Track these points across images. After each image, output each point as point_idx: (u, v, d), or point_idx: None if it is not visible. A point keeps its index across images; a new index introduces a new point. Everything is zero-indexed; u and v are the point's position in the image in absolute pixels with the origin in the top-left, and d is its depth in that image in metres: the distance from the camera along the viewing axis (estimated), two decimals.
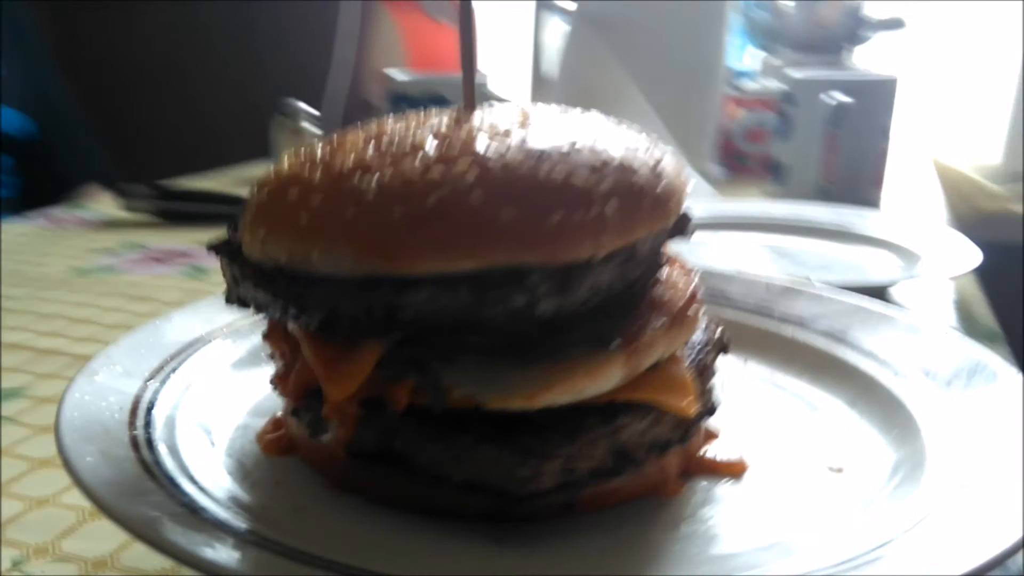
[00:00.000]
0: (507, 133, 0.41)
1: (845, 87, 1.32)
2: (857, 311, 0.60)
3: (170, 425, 0.47)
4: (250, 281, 0.42)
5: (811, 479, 0.46)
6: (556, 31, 1.90)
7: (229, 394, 0.53)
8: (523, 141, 0.40)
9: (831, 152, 1.30)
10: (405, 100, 1.29)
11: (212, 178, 1.48)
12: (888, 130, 1.36)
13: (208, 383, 0.53)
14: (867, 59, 1.90)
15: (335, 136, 0.47)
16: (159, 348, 0.54)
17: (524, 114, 0.45)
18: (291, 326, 0.45)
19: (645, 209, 0.40)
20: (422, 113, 0.48)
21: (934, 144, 2.07)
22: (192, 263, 1.02)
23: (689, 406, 0.43)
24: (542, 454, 0.39)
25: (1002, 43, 2.13)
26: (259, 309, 0.43)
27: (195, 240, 1.09)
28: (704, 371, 0.46)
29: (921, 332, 0.55)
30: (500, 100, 1.38)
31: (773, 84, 1.61)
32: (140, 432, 0.45)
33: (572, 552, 0.40)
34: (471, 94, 0.47)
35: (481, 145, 0.40)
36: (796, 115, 1.35)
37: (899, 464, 0.46)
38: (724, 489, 0.46)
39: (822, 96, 1.30)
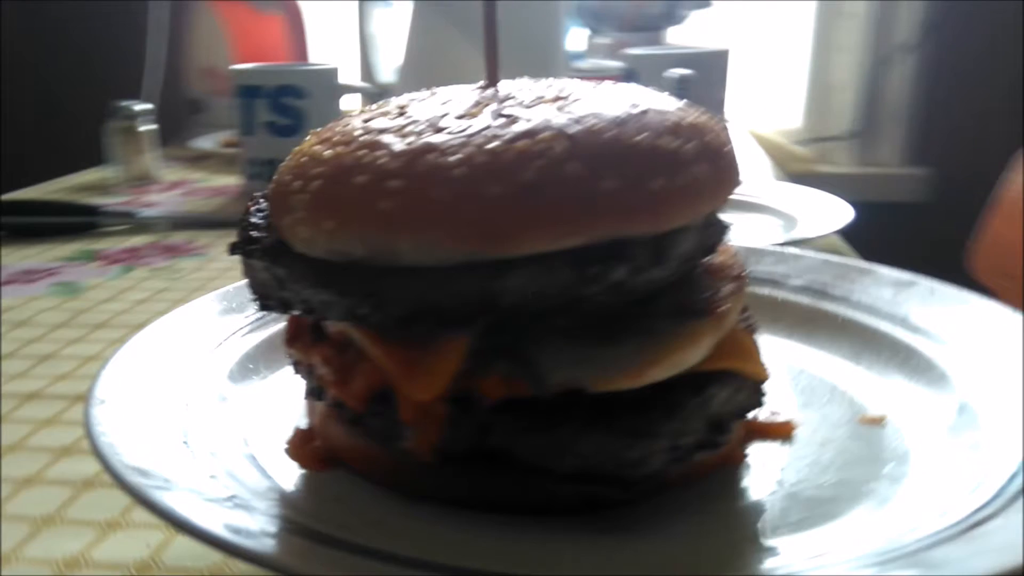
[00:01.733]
0: (563, 102, 0.39)
1: (682, 61, 1.37)
2: (827, 266, 0.61)
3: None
4: (306, 281, 0.38)
5: (858, 431, 0.47)
6: (382, 21, 1.87)
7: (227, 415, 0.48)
8: (589, 108, 0.38)
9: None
10: (255, 92, 1.22)
11: (44, 189, 1.34)
12: (723, 101, 1.43)
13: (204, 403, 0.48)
14: (681, 37, 1.99)
15: (347, 120, 0.43)
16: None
17: (553, 85, 0.43)
18: (337, 327, 0.42)
19: (728, 171, 0.39)
20: (426, 92, 0.45)
21: (748, 113, 2.20)
22: (59, 280, 0.92)
23: (764, 369, 0.42)
24: (648, 434, 0.38)
25: (796, 17, 2.29)
26: (310, 312, 0.39)
27: (54, 256, 0.99)
28: (753, 334, 0.46)
29: (902, 281, 0.58)
30: (356, 90, 1.34)
31: (606, 63, 1.64)
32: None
33: (674, 530, 0.39)
34: (494, 69, 0.45)
35: (551, 115, 0.37)
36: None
37: (942, 409, 0.47)
38: (780, 451, 0.46)
39: (665, 71, 1.34)
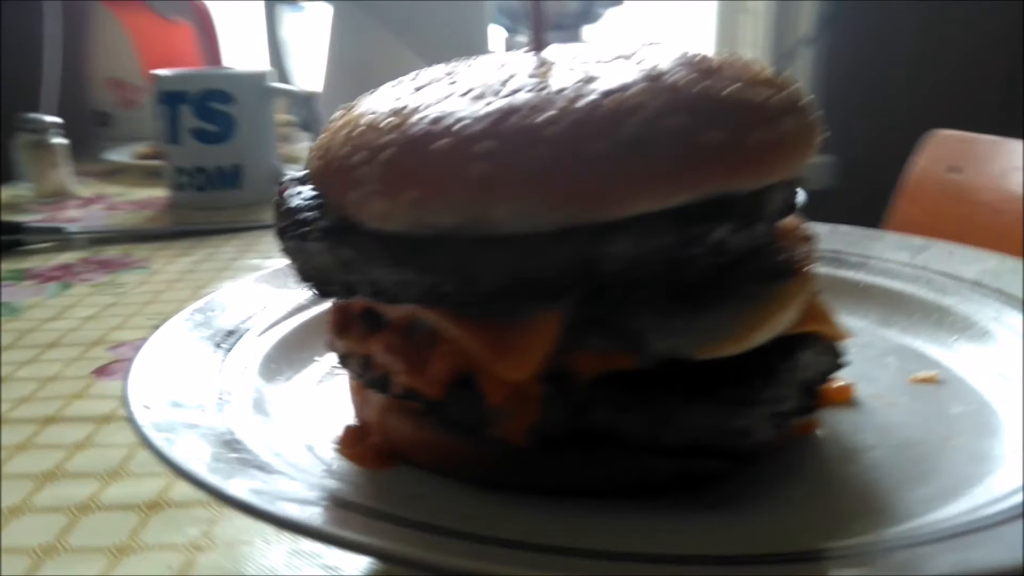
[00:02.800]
0: (635, 58, 0.37)
1: None
2: (837, 234, 0.61)
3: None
4: (379, 261, 0.35)
5: (918, 391, 0.46)
6: (293, 26, 1.81)
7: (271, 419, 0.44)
8: (666, 63, 0.36)
9: None
10: (180, 99, 1.16)
11: None
12: None
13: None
14: (596, 35, 2.00)
15: (381, 94, 0.40)
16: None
17: (603, 46, 0.41)
18: (401, 311, 0.38)
19: (813, 124, 0.38)
20: (464, 62, 0.42)
21: None
22: None
23: (842, 330, 0.41)
24: (752, 402, 0.36)
25: (701, 13, 2.34)
26: (379, 294, 0.36)
27: None
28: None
29: (915, 244, 0.58)
30: (286, 93, 1.29)
31: None
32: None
33: (779, 499, 0.37)
34: (540, 34, 0.42)
35: (631, 70, 0.35)
36: None
37: (993, 363, 0.47)
38: (846, 416, 0.45)
39: None
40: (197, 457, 0.34)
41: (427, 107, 0.36)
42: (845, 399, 0.45)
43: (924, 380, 0.47)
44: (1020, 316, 0.49)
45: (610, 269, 0.33)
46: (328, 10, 1.47)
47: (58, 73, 1.63)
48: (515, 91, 0.35)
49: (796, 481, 0.38)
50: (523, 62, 0.39)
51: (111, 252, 1.02)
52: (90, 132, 1.63)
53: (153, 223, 1.15)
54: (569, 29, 1.87)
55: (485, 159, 0.32)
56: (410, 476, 0.39)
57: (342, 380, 0.48)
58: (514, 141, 0.33)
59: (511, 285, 0.34)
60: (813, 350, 0.40)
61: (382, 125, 0.36)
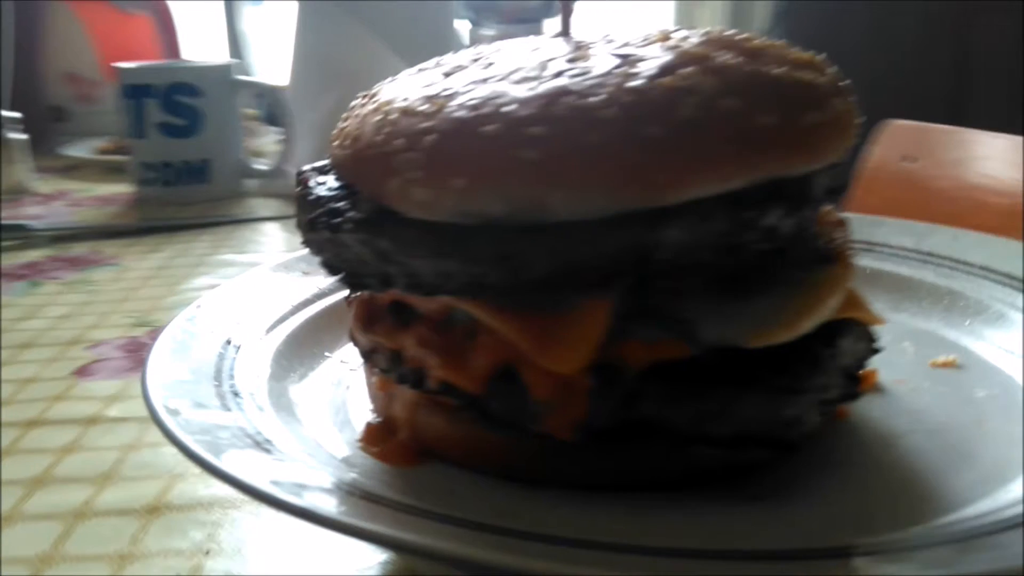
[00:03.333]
0: (673, 40, 0.36)
1: None
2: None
3: None
4: (421, 251, 0.33)
5: (940, 376, 0.46)
6: (253, 20, 1.78)
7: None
8: (708, 46, 0.35)
9: None
10: (145, 92, 1.12)
11: None
12: None
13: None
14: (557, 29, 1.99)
15: (406, 80, 0.38)
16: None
17: (631, 30, 0.40)
18: (436, 303, 0.37)
19: (854, 106, 0.37)
20: (490, 47, 0.41)
21: None
22: None
23: (875, 316, 0.41)
24: (800, 390, 0.35)
25: (659, 7, 2.34)
26: (417, 286, 0.34)
27: None
28: None
29: (918, 229, 0.58)
30: (253, 86, 1.26)
31: None
32: None
33: (823, 492, 0.37)
34: (569, 18, 0.41)
35: (673, 52, 0.34)
36: None
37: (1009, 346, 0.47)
38: (872, 402, 0.44)
39: None
40: (244, 463, 0.33)
41: (466, 91, 0.34)
42: (870, 385, 0.45)
43: (944, 364, 0.47)
44: None
45: (663, 256, 0.32)
46: (292, 4, 1.44)
47: (11, 69, 1.58)
48: (558, 74, 0.34)
49: (839, 469, 0.38)
50: (556, 46, 0.38)
51: (78, 249, 0.99)
52: (46, 128, 1.58)
53: (120, 219, 1.12)
54: (530, 23, 1.86)
55: (538, 144, 0.31)
56: (441, 473, 0.38)
57: (357, 376, 0.47)
58: (567, 125, 0.31)
59: (560, 274, 0.33)
60: (851, 336, 0.39)
61: (419, 110, 0.35)
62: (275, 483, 0.30)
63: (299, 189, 0.40)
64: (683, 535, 0.33)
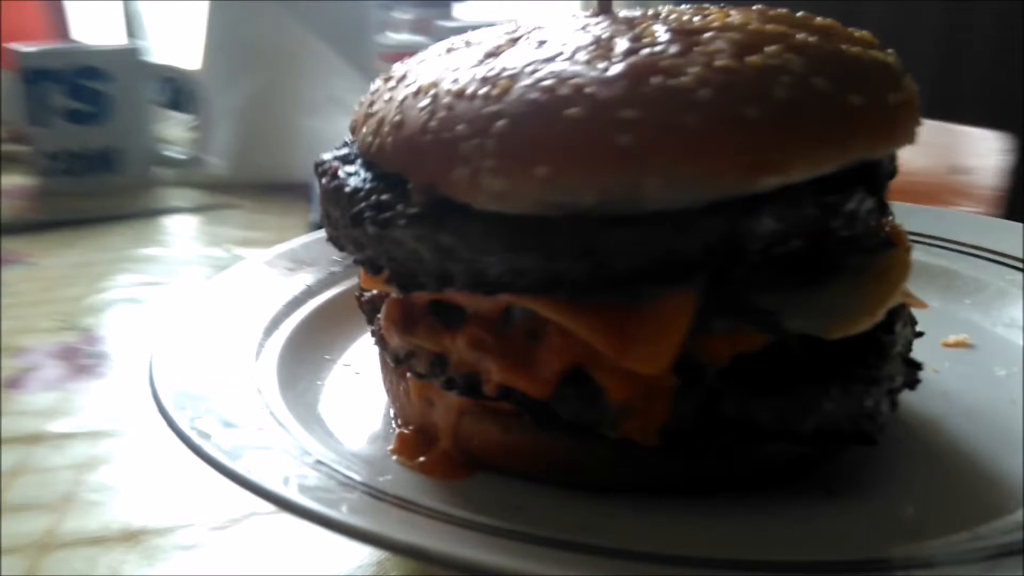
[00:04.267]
0: (731, 19, 0.34)
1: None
2: None
3: None
4: (494, 246, 0.31)
5: (957, 356, 0.46)
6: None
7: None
8: (776, 22, 0.34)
9: None
10: (47, 77, 1.04)
11: None
12: None
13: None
14: (467, 12, 1.96)
15: (438, 60, 0.36)
16: None
17: (672, 7, 0.38)
18: (490, 302, 0.34)
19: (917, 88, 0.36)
20: (522, 26, 0.38)
21: None
22: None
23: (919, 300, 0.40)
24: (875, 380, 0.34)
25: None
26: (480, 284, 0.32)
27: None
28: None
29: (903, 209, 0.58)
30: (164, 71, 1.18)
31: (413, 38, 1.59)
32: None
33: (892, 484, 0.36)
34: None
35: (743, 30, 0.33)
36: None
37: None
38: None
39: None
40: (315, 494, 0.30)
41: (530, 72, 0.32)
42: None
43: (956, 344, 0.47)
44: None
45: (754, 246, 0.31)
46: None
47: None
48: (630, 52, 0.32)
49: (902, 461, 0.37)
50: (605, 24, 0.35)
51: None
52: None
53: (26, 213, 1.03)
54: (438, 6, 1.82)
55: (631, 127, 0.29)
56: (492, 484, 0.36)
57: (366, 380, 0.44)
58: (661, 107, 0.29)
59: (644, 268, 0.30)
60: (902, 321, 0.38)
61: (479, 93, 0.32)
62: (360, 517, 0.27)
63: (327, 180, 0.36)
64: (772, 543, 0.31)
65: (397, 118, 0.34)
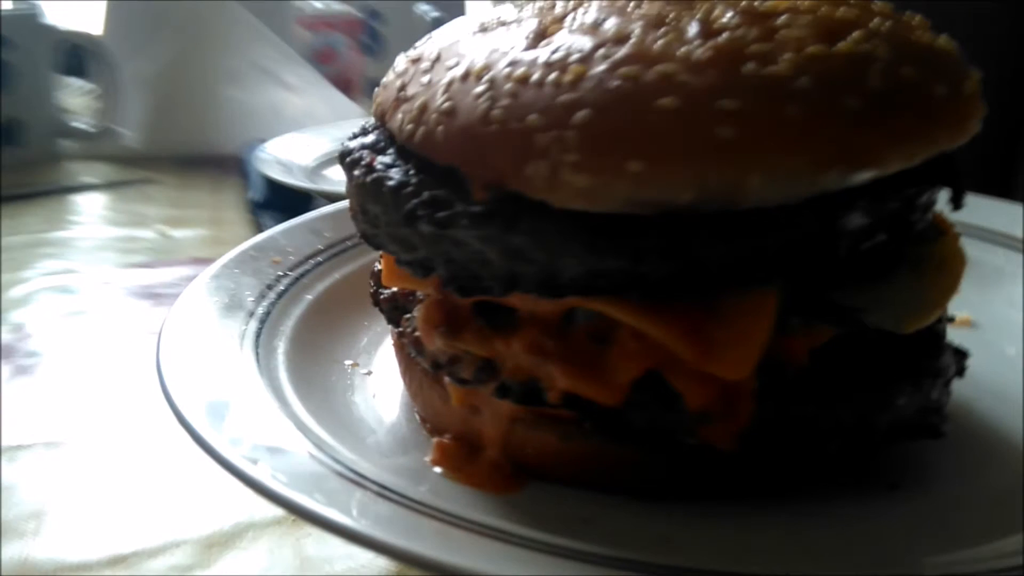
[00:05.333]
0: (790, 2, 0.33)
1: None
2: None
3: None
4: (573, 247, 0.28)
5: (968, 337, 0.46)
6: None
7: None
8: (850, 6, 0.32)
9: None
10: None
11: None
12: None
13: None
14: None
15: (474, 41, 0.33)
16: None
17: None
18: (551, 305, 0.32)
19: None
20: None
21: None
22: None
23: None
24: (939, 372, 0.34)
25: None
26: (553, 288, 0.29)
27: None
28: None
29: None
30: (72, 37, 1.09)
31: (336, 6, 1.52)
32: None
33: (947, 475, 0.35)
34: None
35: (821, 15, 0.31)
36: (388, 33, 1.29)
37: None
38: None
39: (415, 11, 1.27)
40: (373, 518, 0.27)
41: (602, 56, 0.29)
42: None
43: (960, 323, 0.47)
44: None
45: (845, 242, 0.29)
46: None
47: None
48: (709, 35, 0.29)
49: (952, 450, 0.36)
50: (655, 3, 0.33)
51: None
52: None
53: None
54: None
55: (733, 119, 0.27)
56: (549, 494, 0.34)
57: (377, 382, 0.41)
58: (761, 97, 0.27)
59: (734, 267, 0.29)
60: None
61: (547, 80, 0.29)
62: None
63: (361, 173, 0.33)
64: (855, 548, 0.31)
65: (446, 105, 0.31)
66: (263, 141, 0.94)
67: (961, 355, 0.37)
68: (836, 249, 0.29)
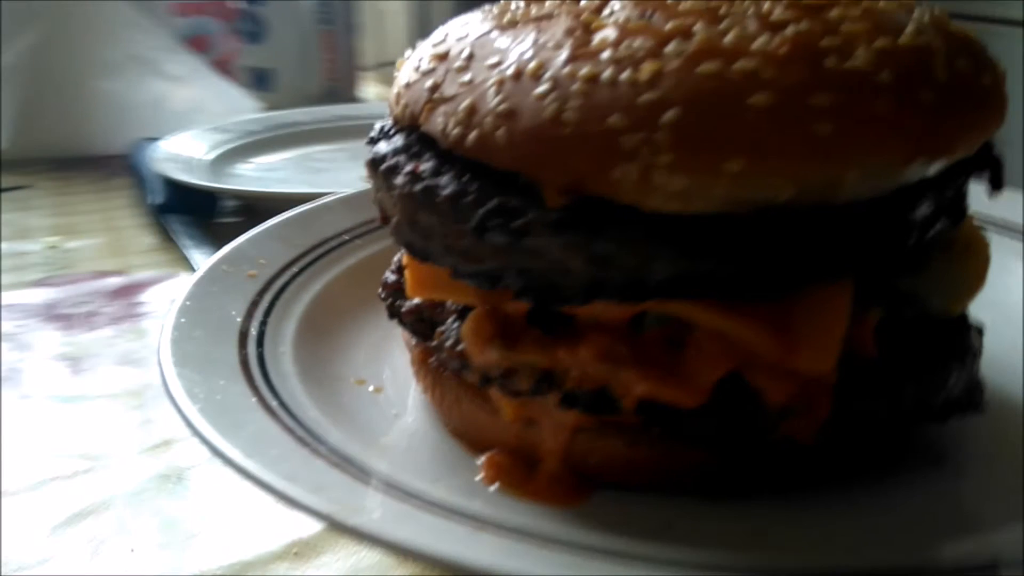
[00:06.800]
0: None
1: None
2: None
3: None
4: (669, 248, 0.28)
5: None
6: None
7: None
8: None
9: (329, 49, 1.24)
10: None
11: None
12: (355, 24, 1.34)
13: None
14: None
15: (531, 33, 0.32)
16: None
17: None
18: (613, 311, 0.31)
19: None
20: None
21: None
22: None
23: None
24: (976, 351, 0.35)
25: None
26: (637, 294, 0.29)
27: None
28: None
29: None
30: None
31: None
32: None
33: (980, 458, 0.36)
34: None
35: (864, 8, 0.31)
36: (270, 17, 1.23)
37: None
38: None
39: None
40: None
41: (674, 53, 0.28)
42: None
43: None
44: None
45: (915, 232, 0.30)
46: None
47: None
48: (771, 27, 0.29)
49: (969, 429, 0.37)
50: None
51: None
52: None
53: None
54: None
55: (828, 116, 0.27)
56: (615, 502, 0.33)
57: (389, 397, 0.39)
58: (852, 92, 0.27)
59: (822, 261, 0.29)
60: None
61: (622, 79, 0.28)
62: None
63: (405, 182, 0.31)
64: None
65: (504, 106, 0.29)
66: (152, 139, 0.88)
67: (980, 332, 0.38)
68: (908, 239, 0.29)
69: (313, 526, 0.37)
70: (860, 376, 0.31)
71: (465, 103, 0.31)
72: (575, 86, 0.28)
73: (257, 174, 0.88)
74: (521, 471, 0.33)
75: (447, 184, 0.30)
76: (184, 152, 0.86)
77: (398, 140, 0.33)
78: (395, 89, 0.35)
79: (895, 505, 0.32)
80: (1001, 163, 0.32)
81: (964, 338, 0.34)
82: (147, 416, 0.46)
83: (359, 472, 0.31)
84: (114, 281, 0.69)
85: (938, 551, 0.30)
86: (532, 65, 0.30)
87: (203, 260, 0.65)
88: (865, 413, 0.32)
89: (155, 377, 0.34)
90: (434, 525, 0.28)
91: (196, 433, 0.30)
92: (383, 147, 0.33)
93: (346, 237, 0.50)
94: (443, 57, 0.33)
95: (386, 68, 2.02)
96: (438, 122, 0.31)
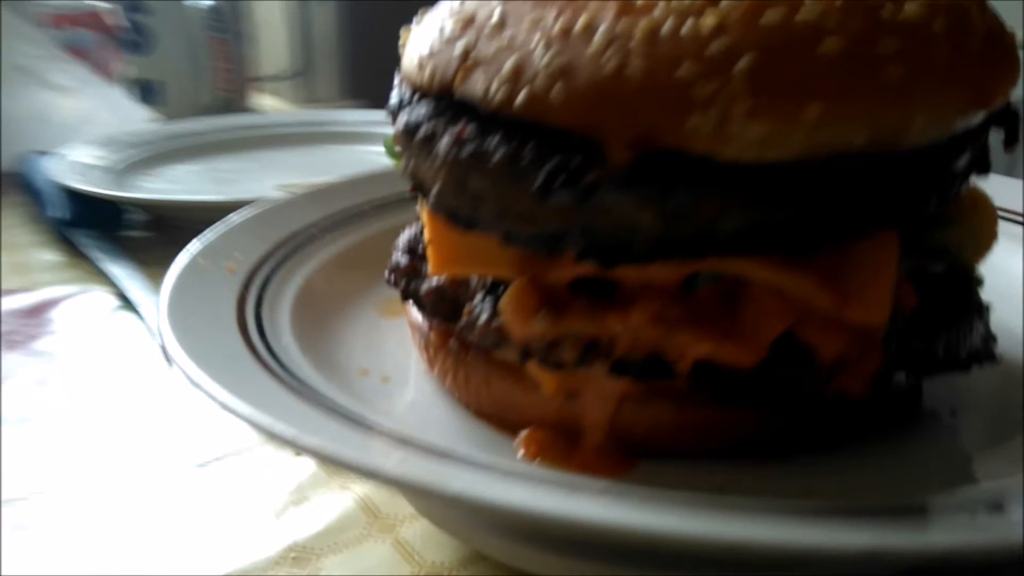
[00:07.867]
0: None
1: None
2: None
3: None
4: (746, 195, 0.27)
5: None
6: None
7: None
8: None
9: (221, 58, 1.19)
10: None
11: None
12: (245, 32, 1.30)
13: None
14: None
15: None
16: None
17: None
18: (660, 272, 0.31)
19: None
20: None
21: None
22: None
23: None
24: (988, 306, 0.36)
25: None
26: (705, 249, 0.28)
27: None
28: None
29: None
30: None
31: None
32: None
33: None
34: None
35: None
36: (155, 26, 1.18)
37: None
38: None
39: (189, 2, 1.18)
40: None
41: (725, 5, 0.28)
42: None
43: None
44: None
45: (957, 182, 0.31)
46: None
47: None
48: None
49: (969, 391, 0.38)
50: None
51: None
52: None
53: None
54: None
55: (897, 61, 0.27)
56: (659, 471, 0.32)
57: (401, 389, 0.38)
58: (914, 39, 0.28)
59: (880, 209, 0.29)
60: None
61: (684, 31, 0.28)
62: None
63: (449, 146, 0.30)
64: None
65: (556, 64, 0.28)
66: (42, 153, 0.82)
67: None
68: (952, 188, 0.30)
69: (311, 529, 0.36)
70: (905, 327, 0.32)
71: (509, 63, 0.29)
72: (634, 39, 0.28)
73: (163, 186, 0.84)
74: (563, 445, 0.32)
75: (498, 146, 0.29)
76: (84, 164, 0.81)
77: (424, 108, 0.32)
78: (413, 59, 0.33)
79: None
80: (1018, 117, 0.33)
81: (970, 291, 0.35)
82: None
83: (420, 449, 0.29)
84: (21, 298, 0.63)
85: None
86: (581, 22, 0.29)
87: (122, 273, 0.62)
88: (910, 363, 0.32)
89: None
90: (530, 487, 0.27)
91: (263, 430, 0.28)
92: (414, 115, 0.32)
93: (314, 231, 0.47)
94: (469, 21, 0.32)
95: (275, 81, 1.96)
96: (477, 85, 0.30)
